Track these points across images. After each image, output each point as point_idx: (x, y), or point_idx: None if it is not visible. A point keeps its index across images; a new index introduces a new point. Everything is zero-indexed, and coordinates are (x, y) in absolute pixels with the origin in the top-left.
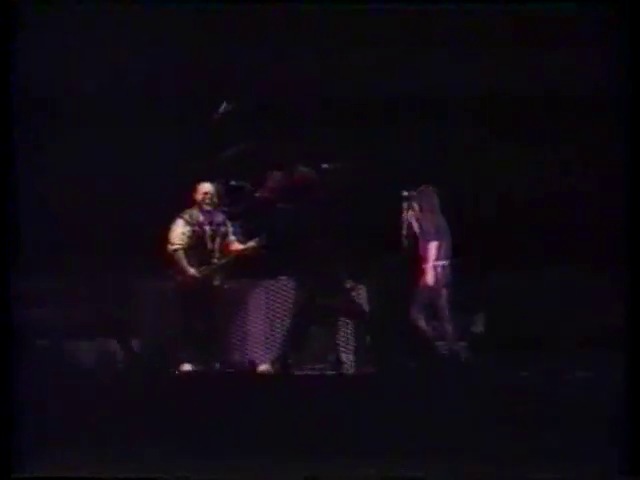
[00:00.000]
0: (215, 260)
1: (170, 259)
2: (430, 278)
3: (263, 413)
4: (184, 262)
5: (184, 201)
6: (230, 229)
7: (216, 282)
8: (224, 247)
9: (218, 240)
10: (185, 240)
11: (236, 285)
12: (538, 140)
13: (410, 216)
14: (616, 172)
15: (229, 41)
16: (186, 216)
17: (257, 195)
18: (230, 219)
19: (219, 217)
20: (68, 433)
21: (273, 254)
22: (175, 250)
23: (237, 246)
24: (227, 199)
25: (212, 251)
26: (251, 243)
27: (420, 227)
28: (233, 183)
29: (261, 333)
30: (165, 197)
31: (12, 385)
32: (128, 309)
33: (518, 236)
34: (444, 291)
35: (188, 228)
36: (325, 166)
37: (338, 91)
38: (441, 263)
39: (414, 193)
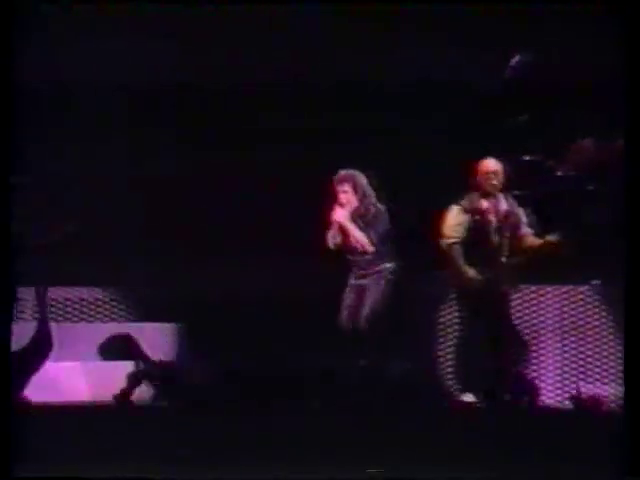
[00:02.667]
0: (503, 259)
1: (444, 257)
2: None
3: None
4: (461, 261)
5: (461, 184)
6: (523, 219)
7: (505, 287)
8: (515, 242)
9: (507, 233)
10: (463, 233)
11: (532, 292)
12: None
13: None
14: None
15: None
16: (464, 202)
17: (559, 174)
18: (523, 205)
19: (508, 203)
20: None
21: (582, 252)
22: (450, 245)
23: (533, 241)
24: (519, 179)
25: (499, 247)
26: (551, 237)
27: None
28: (527, 158)
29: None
30: (433, 179)
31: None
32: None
33: None
34: None
35: (467, 217)
36: None
37: None
38: None
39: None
